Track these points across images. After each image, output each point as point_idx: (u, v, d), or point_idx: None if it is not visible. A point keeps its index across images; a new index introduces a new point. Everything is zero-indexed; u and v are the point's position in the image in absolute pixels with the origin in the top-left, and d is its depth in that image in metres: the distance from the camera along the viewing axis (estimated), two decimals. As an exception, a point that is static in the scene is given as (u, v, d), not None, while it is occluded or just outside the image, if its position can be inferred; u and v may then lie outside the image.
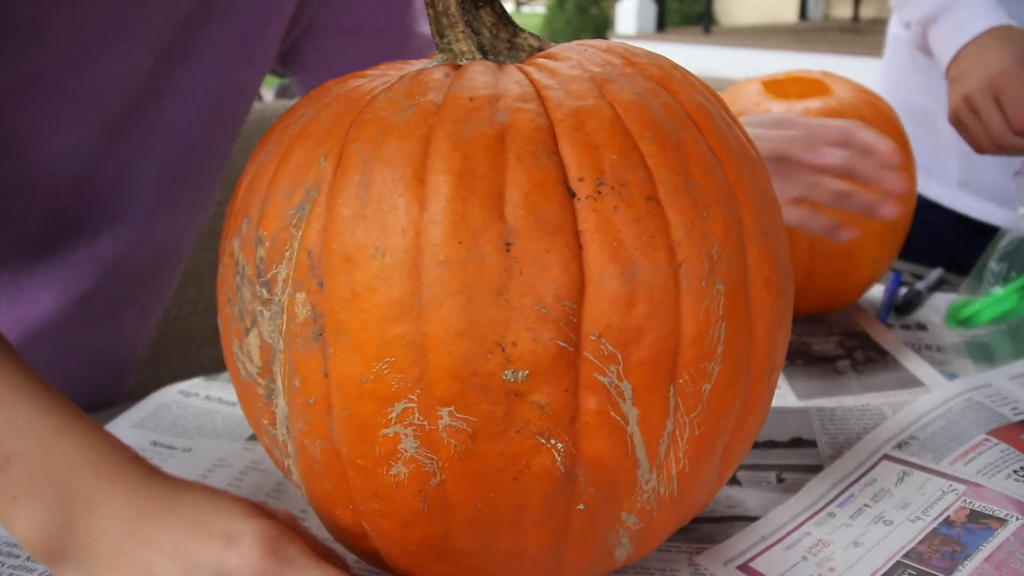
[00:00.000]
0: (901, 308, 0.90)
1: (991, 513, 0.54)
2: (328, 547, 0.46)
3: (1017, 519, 0.53)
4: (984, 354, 0.81)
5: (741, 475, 0.61)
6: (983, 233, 1.05)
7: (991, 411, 0.65)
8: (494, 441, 0.39)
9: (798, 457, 0.63)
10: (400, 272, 0.38)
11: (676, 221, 0.39)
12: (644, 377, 0.39)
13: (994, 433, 0.62)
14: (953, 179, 1.16)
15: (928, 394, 0.69)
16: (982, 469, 0.58)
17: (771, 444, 0.65)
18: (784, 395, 0.73)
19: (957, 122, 0.94)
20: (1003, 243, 0.86)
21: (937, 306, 0.91)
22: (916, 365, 0.76)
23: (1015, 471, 0.58)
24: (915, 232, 0.89)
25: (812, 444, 0.65)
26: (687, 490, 0.43)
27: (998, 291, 0.83)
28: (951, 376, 0.76)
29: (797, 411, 0.69)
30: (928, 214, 1.07)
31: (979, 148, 0.94)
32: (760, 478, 0.61)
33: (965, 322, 0.83)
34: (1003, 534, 0.52)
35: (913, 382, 0.72)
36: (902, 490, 0.57)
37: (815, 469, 0.62)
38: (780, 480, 0.60)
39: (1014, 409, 0.66)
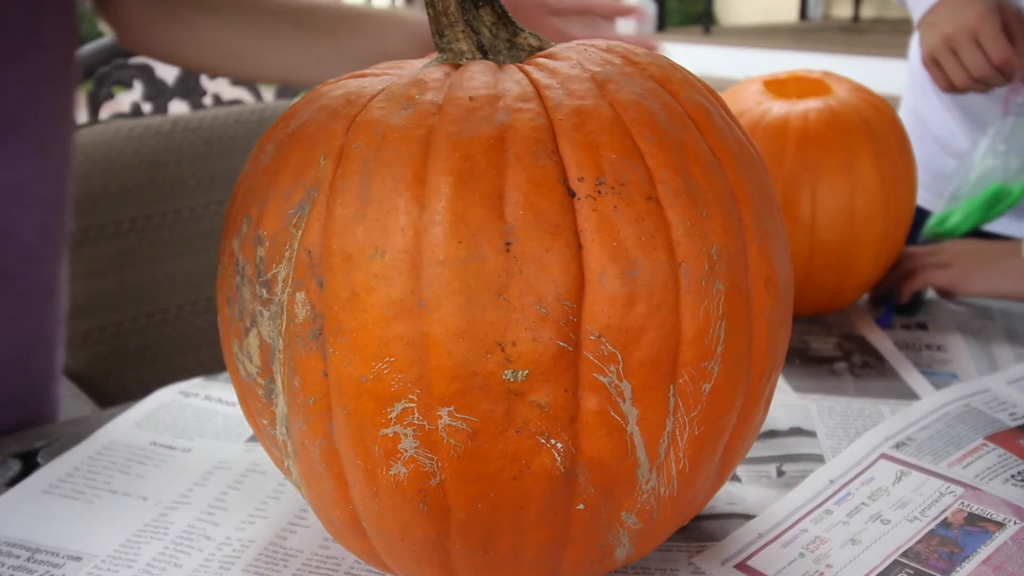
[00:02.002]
0: (902, 309, 0.90)
1: (989, 516, 0.54)
2: None
3: (1015, 523, 0.53)
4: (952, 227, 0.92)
5: (741, 471, 0.61)
6: (983, 236, 1.07)
7: (988, 417, 0.66)
8: (494, 441, 0.39)
9: (799, 446, 0.64)
10: (400, 272, 0.38)
11: (676, 221, 0.39)
12: (644, 377, 0.39)
13: (991, 438, 0.62)
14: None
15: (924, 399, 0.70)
16: (980, 473, 0.58)
17: (771, 434, 0.65)
18: (782, 388, 0.73)
19: (932, 61, 1.04)
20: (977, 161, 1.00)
21: (937, 307, 0.91)
22: (913, 377, 0.76)
23: (1013, 476, 0.58)
24: (915, 234, 0.90)
25: (812, 434, 0.65)
26: (687, 490, 0.43)
27: (966, 202, 0.96)
28: (951, 376, 0.76)
29: (795, 405, 0.69)
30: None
31: (951, 86, 1.04)
32: (761, 472, 0.61)
33: (943, 236, 0.91)
34: (1001, 537, 0.52)
35: (909, 394, 0.72)
36: (900, 490, 0.57)
37: (816, 459, 0.62)
38: (780, 473, 0.60)
39: (1011, 414, 0.66)
